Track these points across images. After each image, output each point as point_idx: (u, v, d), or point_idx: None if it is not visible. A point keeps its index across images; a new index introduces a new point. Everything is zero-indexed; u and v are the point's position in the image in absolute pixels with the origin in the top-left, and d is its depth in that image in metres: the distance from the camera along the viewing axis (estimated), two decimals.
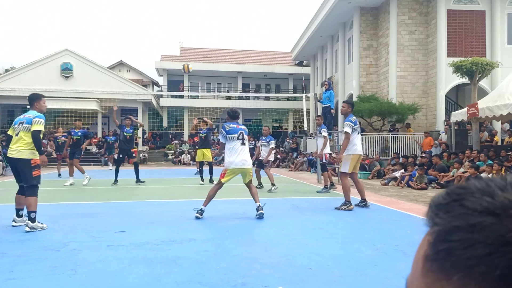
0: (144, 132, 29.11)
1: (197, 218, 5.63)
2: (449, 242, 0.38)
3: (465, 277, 0.36)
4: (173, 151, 26.59)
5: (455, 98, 18.59)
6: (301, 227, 5.13)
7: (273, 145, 10.17)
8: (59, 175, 13.97)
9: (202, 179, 11.45)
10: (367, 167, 14.17)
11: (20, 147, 5.04)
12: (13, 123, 5.31)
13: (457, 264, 0.37)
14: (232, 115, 6.20)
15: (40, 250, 3.96)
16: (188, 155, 24.44)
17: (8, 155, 5.12)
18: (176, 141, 28.64)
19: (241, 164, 5.87)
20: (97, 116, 26.25)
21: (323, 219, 5.72)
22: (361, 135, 17.02)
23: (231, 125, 6.02)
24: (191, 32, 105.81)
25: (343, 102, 7.06)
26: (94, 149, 25.28)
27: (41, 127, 5.08)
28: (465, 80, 13.32)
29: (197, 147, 12.97)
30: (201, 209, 5.76)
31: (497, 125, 14.79)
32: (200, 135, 11.97)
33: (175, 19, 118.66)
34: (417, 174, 10.51)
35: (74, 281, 3.07)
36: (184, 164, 24.05)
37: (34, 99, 5.31)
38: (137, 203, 7.48)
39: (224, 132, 5.97)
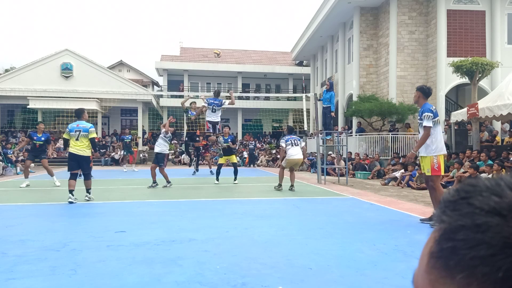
0: (144, 132, 29.11)
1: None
2: (454, 241, 0.38)
3: (468, 276, 0.36)
4: (173, 151, 26.57)
5: (455, 98, 18.58)
6: (301, 227, 5.13)
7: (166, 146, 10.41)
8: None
9: (217, 179, 11.28)
10: (367, 167, 14.18)
11: (84, 148, 7.36)
12: (69, 130, 7.42)
13: (461, 263, 0.37)
14: (428, 92, 5.45)
15: (40, 250, 3.96)
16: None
17: (74, 152, 7.33)
18: (176, 141, 28.64)
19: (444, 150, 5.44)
20: (97, 116, 26.25)
21: (323, 219, 5.72)
22: (361, 135, 17.20)
23: (433, 108, 5.43)
24: (191, 32, 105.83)
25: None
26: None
27: (95, 135, 7.65)
28: (465, 80, 13.32)
29: (216, 152, 12.97)
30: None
31: (497, 125, 14.78)
32: (225, 144, 11.27)
33: (175, 19, 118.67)
34: (417, 174, 10.50)
35: (74, 281, 3.06)
36: (184, 164, 24.04)
37: (82, 112, 7.63)
38: (137, 203, 7.48)
39: (431, 114, 5.28)
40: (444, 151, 5.32)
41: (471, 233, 0.37)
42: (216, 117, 11.02)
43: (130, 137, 19.01)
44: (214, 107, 10.99)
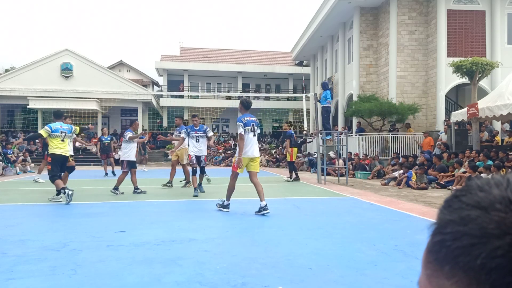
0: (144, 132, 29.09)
1: (220, 210, 6.30)
2: (442, 234, 0.41)
3: (454, 267, 0.38)
4: None
5: (455, 98, 18.58)
6: (301, 227, 5.13)
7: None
8: (106, 174, 14.94)
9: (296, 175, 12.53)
10: (367, 167, 14.17)
11: (68, 148, 7.65)
12: (52, 130, 7.45)
13: (448, 255, 0.39)
14: (246, 105, 6.38)
15: (40, 250, 3.96)
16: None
17: (62, 153, 7.51)
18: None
19: (250, 154, 6.26)
20: (97, 116, 26.24)
21: (323, 219, 5.72)
22: (361, 135, 17.18)
23: (246, 118, 6.28)
24: (191, 32, 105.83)
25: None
26: (94, 149, 25.27)
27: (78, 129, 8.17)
28: (465, 80, 13.31)
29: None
30: (223, 202, 6.37)
31: (497, 125, 14.77)
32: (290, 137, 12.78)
33: (175, 19, 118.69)
34: (413, 174, 10.49)
35: (74, 281, 3.06)
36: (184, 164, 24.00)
37: (62, 115, 7.89)
38: (137, 203, 7.48)
39: (242, 123, 6.20)
40: (249, 155, 6.18)
41: (456, 226, 0.40)
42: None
43: (143, 138, 19.25)
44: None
